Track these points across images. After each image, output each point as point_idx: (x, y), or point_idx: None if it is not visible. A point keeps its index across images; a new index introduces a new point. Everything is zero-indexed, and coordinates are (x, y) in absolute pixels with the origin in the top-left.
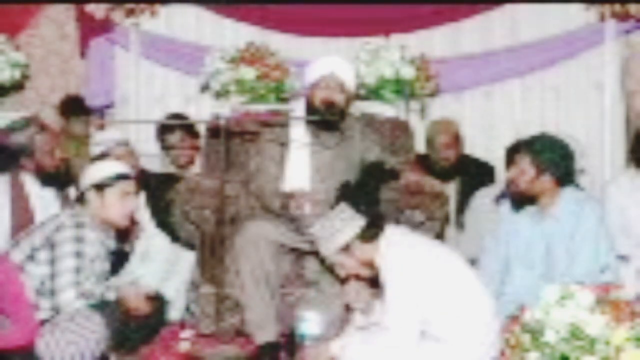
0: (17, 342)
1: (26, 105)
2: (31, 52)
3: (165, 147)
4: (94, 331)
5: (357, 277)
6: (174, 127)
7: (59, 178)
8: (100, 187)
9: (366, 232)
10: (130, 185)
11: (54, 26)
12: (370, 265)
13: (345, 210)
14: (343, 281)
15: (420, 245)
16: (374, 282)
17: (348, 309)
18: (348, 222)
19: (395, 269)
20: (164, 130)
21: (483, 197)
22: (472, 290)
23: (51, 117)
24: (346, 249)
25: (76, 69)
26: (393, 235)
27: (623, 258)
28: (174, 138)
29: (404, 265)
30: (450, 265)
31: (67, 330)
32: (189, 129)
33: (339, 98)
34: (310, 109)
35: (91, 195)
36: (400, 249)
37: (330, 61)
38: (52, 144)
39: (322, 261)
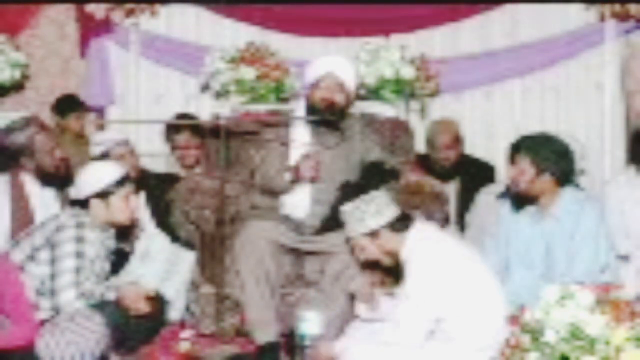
0: (18, 342)
1: (26, 105)
2: (31, 52)
3: (174, 147)
4: (94, 331)
5: (374, 265)
6: (181, 127)
7: (59, 178)
8: (103, 194)
9: (397, 223)
10: (131, 186)
11: (54, 26)
12: (392, 255)
13: (382, 196)
14: (363, 265)
15: (448, 242)
16: (390, 273)
17: (352, 298)
18: (382, 209)
19: (422, 263)
20: (171, 130)
21: (487, 194)
22: (489, 291)
23: (51, 117)
24: (373, 234)
25: (76, 69)
26: (424, 230)
27: (623, 258)
28: (182, 138)
29: (431, 261)
30: (473, 265)
31: (67, 330)
32: (195, 129)
33: (338, 97)
34: (311, 109)
35: (95, 202)
36: (430, 244)
37: (329, 61)
38: (52, 144)
39: (346, 240)
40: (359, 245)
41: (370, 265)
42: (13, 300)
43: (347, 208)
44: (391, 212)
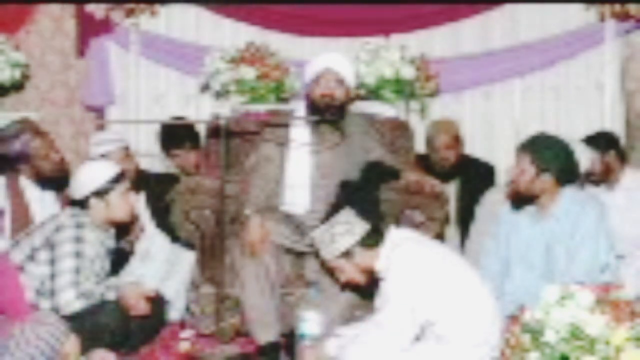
0: None
1: (26, 103)
2: (30, 49)
3: (171, 156)
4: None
5: (355, 284)
6: (181, 141)
7: (58, 180)
8: (101, 193)
9: (368, 239)
10: (127, 182)
11: (52, 23)
12: (369, 272)
13: (347, 216)
14: (343, 286)
15: (425, 246)
16: (369, 291)
17: None
18: (350, 228)
19: (400, 267)
20: (170, 144)
21: (490, 203)
22: (475, 291)
23: (51, 115)
24: (347, 254)
25: (75, 65)
26: (399, 237)
27: (622, 258)
28: (183, 152)
29: (410, 264)
30: (454, 266)
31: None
32: (193, 138)
33: (337, 92)
34: (311, 106)
35: (94, 202)
36: (407, 248)
37: (327, 57)
38: (47, 148)
39: (322, 264)
40: (336, 267)
41: (353, 286)
42: (11, 300)
43: (316, 233)
44: (360, 229)
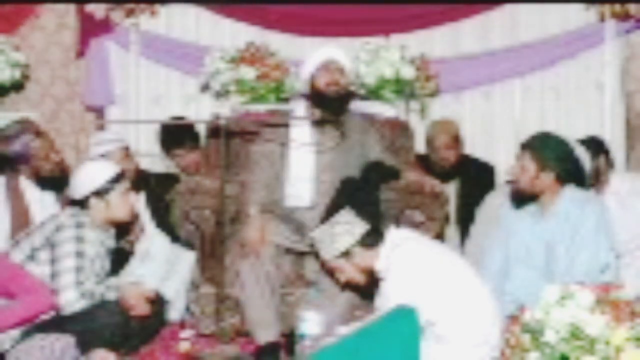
0: (37, 309)
1: (27, 97)
2: (32, 43)
3: (171, 156)
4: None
5: (354, 284)
6: (181, 141)
7: (57, 181)
8: (101, 193)
9: (367, 239)
10: (127, 182)
11: (54, 17)
12: (368, 272)
13: (347, 216)
14: (343, 286)
15: (425, 246)
16: (369, 291)
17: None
18: (350, 228)
19: (400, 267)
20: (170, 144)
21: (496, 197)
22: (475, 291)
23: (52, 111)
24: (347, 254)
25: (77, 61)
26: (399, 237)
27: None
28: (183, 152)
29: (410, 264)
30: (454, 266)
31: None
32: (194, 138)
33: (342, 80)
34: (315, 98)
35: (94, 202)
36: (407, 248)
37: (328, 49)
38: (47, 149)
39: (322, 264)
40: (336, 267)
41: (353, 286)
42: (17, 282)
43: (316, 233)
44: (360, 229)
